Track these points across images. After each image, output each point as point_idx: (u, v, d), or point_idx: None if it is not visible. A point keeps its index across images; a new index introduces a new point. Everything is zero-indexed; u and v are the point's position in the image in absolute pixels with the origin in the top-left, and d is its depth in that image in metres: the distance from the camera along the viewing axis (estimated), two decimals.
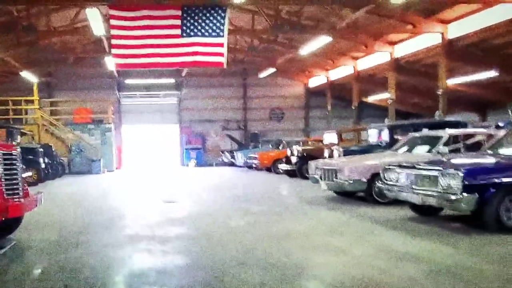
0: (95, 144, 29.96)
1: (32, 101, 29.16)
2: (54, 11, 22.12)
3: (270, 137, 33.50)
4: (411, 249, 7.08)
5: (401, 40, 22.71)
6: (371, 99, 31.11)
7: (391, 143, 15.92)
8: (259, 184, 19.20)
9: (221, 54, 14.69)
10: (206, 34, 14.63)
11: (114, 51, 14.59)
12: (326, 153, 17.26)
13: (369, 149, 16.20)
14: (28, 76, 28.12)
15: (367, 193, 11.63)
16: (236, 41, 26.79)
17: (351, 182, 11.53)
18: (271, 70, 29.33)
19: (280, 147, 26.39)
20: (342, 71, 29.91)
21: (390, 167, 9.64)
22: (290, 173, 21.10)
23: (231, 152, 31.89)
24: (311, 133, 35.92)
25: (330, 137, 21.46)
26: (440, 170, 8.17)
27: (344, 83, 31.70)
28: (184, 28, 14.59)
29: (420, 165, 8.80)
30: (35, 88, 29.05)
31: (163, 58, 14.53)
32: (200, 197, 15.13)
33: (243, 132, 36.25)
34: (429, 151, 11.74)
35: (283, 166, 21.36)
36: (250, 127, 36.42)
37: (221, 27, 14.69)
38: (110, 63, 24.23)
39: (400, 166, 9.37)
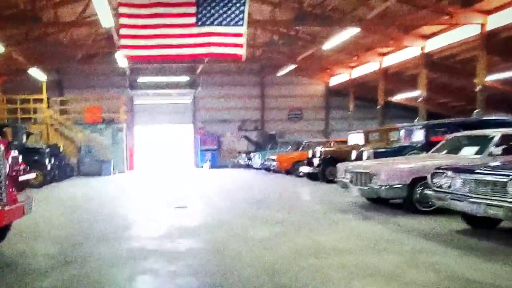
0: (106, 145, 28.88)
1: (40, 100, 28.23)
2: (60, 5, 21.00)
3: (288, 138, 32.12)
4: (480, 274, 5.63)
5: (434, 34, 21.09)
6: (397, 98, 29.52)
7: (427, 145, 14.46)
8: (279, 188, 17.75)
9: (239, 45, 13.29)
10: (224, 23, 13.25)
11: (123, 41, 13.25)
12: (353, 155, 15.79)
13: (401, 150, 14.72)
14: (37, 73, 26.96)
15: (407, 200, 10.14)
16: (254, 36, 25.30)
17: (389, 187, 10.05)
18: (291, 67, 27.85)
19: (300, 149, 25.00)
20: (366, 68, 28.37)
21: (441, 170, 8.15)
22: (312, 176, 19.67)
23: (247, 153, 30.48)
24: (331, 135, 34.42)
25: (355, 138, 19.96)
26: (510, 175, 6.67)
27: (368, 81, 30.15)
28: (200, 16, 13.22)
29: (482, 169, 7.30)
30: (43, 86, 28.03)
31: (176, 49, 13.16)
32: (215, 202, 13.74)
33: (260, 132, 34.81)
34: (478, 153, 10.22)
35: (304, 169, 19.93)
36: (267, 128, 34.99)
37: (241, 15, 13.30)
38: (121, 59, 22.99)
39: (454, 169, 7.87)
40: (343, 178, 12.03)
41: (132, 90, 32.73)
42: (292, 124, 35.22)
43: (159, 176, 26.53)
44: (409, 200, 10.06)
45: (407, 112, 31.70)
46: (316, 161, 19.07)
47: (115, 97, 31.05)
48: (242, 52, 13.28)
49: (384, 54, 26.18)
